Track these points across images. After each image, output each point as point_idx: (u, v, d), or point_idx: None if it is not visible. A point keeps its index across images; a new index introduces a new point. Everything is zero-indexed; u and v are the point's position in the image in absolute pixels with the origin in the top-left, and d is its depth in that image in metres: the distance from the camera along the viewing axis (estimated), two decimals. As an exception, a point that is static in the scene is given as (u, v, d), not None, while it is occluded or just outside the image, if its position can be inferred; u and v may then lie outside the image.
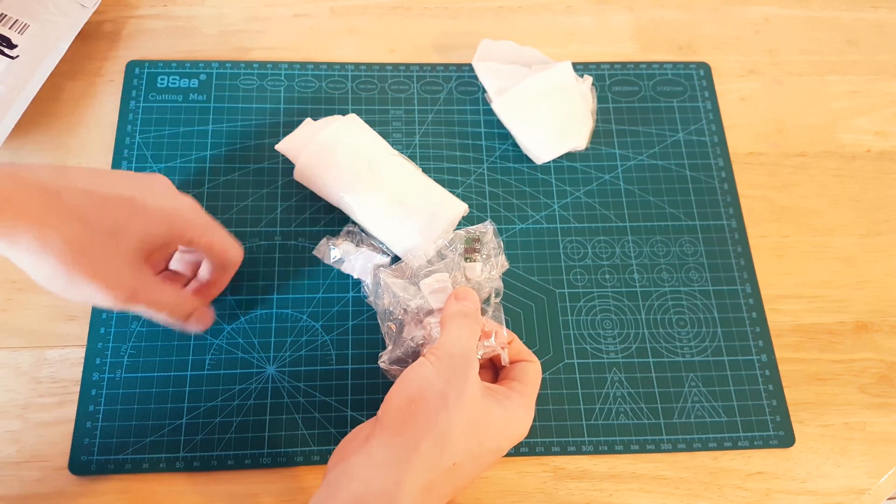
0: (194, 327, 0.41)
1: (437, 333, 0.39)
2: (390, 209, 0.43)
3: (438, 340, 0.36)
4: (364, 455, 0.32)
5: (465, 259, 0.41)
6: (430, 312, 0.40)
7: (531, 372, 0.38)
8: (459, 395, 0.33)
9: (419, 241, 0.42)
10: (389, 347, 0.41)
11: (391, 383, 0.37)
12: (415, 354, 0.40)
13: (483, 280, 0.41)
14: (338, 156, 0.44)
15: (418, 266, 0.41)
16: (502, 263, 0.42)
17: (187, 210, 0.39)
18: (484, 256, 0.42)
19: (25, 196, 0.32)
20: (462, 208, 0.45)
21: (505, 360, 0.39)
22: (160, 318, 0.39)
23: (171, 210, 0.37)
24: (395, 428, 0.33)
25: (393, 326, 0.41)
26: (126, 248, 0.35)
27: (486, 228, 0.42)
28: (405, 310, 0.40)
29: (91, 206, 0.34)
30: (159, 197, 0.38)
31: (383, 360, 0.40)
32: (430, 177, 0.51)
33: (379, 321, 0.42)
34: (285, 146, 0.47)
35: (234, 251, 0.42)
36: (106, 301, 0.34)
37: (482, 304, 0.40)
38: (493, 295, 0.41)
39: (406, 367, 0.36)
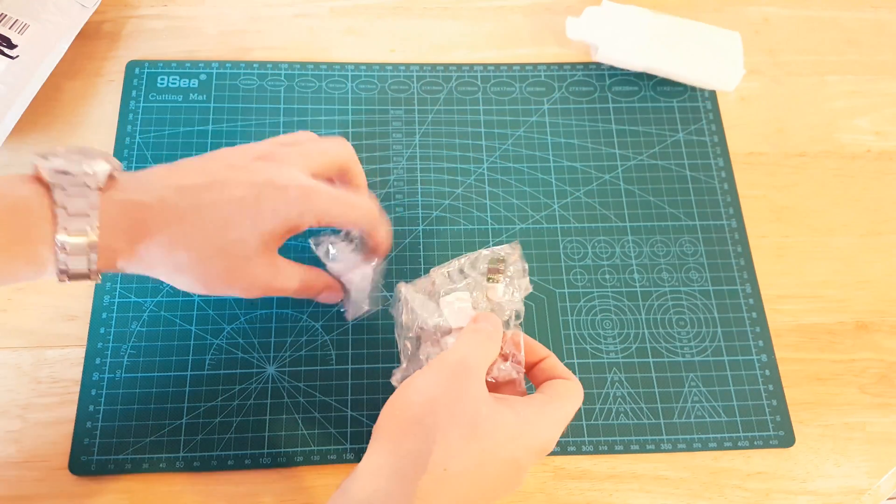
0: (326, 300, 0.42)
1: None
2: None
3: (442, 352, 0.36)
4: (355, 469, 0.32)
5: (488, 279, 0.40)
6: (448, 332, 0.39)
7: (561, 386, 0.36)
8: (452, 399, 0.32)
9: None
10: (403, 365, 0.40)
11: (393, 388, 0.37)
12: None
13: (504, 301, 0.40)
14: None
15: (440, 283, 0.40)
16: (526, 286, 0.41)
17: (310, 190, 0.37)
18: (507, 278, 0.40)
19: (153, 222, 0.34)
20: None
21: (521, 385, 0.37)
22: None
23: (294, 193, 0.36)
24: (384, 435, 0.32)
25: (409, 344, 0.40)
26: (253, 248, 0.36)
27: (513, 249, 0.41)
28: (422, 328, 0.39)
29: (210, 216, 0.35)
30: (278, 182, 0.36)
31: (396, 378, 0.39)
32: (430, 177, 0.51)
33: (396, 336, 0.41)
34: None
35: (380, 233, 0.41)
36: (241, 295, 0.37)
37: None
38: (514, 317, 0.40)
39: None
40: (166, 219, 0.34)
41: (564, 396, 0.35)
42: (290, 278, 0.39)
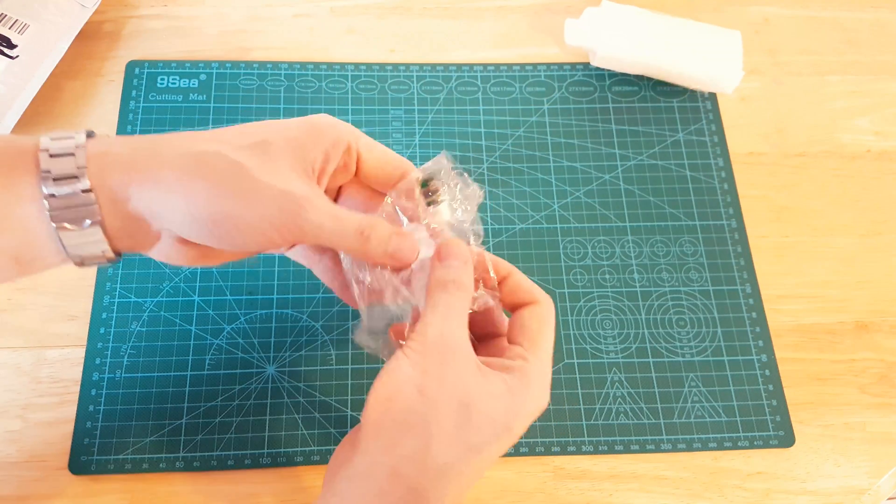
0: (398, 259, 0.33)
1: (413, 296, 0.33)
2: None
3: (419, 323, 0.31)
4: (347, 467, 0.31)
5: (428, 204, 0.34)
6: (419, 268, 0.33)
7: (535, 320, 0.32)
8: (441, 385, 0.29)
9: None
10: (363, 322, 0.34)
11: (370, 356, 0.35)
12: (395, 320, 0.34)
13: (455, 221, 0.34)
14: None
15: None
16: (476, 195, 0.34)
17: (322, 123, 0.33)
18: (447, 195, 0.34)
19: (152, 153, 0.30)
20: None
21: (499, 312, 0.33)
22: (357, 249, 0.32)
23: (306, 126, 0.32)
24: (374, 432, 0.30)
25: (361, 292, 0.34)
26: (296, 179, 0.31)
27: (439, 161, 0.35)
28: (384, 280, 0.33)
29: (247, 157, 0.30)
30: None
31: (360, 337, 0.34)
32: (430, 177, 0.51)
33: (356, 296, 0.34)
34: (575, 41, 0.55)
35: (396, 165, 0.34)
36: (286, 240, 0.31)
37: None
38: (473, 238, 0.34)
39: (381, 341, 0.32)
40: (174, 149, 0.30)
41: (541, 332, 0.33)
42: (338, 218, 0.32)
